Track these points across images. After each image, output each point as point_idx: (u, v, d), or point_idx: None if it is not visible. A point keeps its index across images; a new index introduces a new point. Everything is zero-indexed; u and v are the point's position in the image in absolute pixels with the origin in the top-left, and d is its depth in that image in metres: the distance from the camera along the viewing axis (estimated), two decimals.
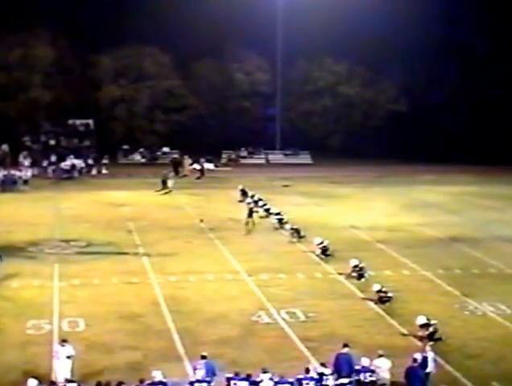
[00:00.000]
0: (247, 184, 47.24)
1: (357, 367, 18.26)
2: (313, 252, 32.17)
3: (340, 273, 29.20)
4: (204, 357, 18.39)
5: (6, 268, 28.82)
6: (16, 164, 54.90)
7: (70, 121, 62.33)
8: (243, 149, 67.20)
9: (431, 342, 21.58)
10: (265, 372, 17.68)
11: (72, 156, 57.09)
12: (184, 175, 56.24)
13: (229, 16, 61.73)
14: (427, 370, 18.71)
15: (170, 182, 49.81)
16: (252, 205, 39.57)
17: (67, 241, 34.33)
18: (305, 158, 67.28)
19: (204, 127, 68.13)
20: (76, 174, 55.55)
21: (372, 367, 18.34)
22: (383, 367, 18.54)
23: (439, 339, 21.86)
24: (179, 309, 24.95)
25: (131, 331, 22.82)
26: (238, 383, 17.54)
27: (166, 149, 65.10)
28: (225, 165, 63.61)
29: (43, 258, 31.53)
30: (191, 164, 58.06)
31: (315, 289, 27.61)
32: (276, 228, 37.36)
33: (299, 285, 28.10)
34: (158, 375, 17.37)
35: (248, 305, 25.42)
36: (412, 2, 61.69)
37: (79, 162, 56.85)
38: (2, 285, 27.19)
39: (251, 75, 69.99)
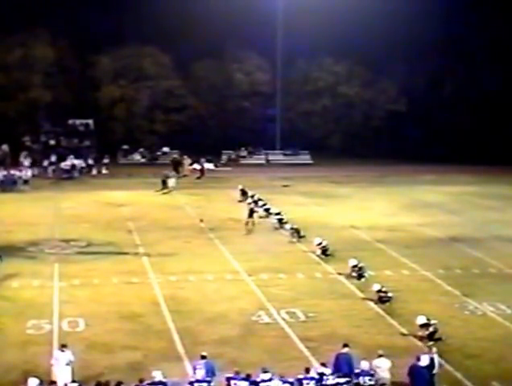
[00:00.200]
0: (247, 184, 47.26)
1: (356, 371, 18.25)
2: (313, 252, 32.18)
3: (340, 273, 29.21)
4: (203, 357, 18.40)
5: (6, 268, 28.84)
6: (16, 164, 54.88)
7: (70, 121, 62.32)
8: (243, 149, 67.16)
9: (431, 342, 21.62)
10: (265, 372, 17.69)
11: (72, 156, 57.10)
12: (184, 175, 56.22)
13: (229, 16, 61.70)
14: (434, 371, 18.71)
15: (172, 182, 49.83)
16: (252, 205, 39.58)
17: (67, 241, 34.34)
18: (305, 158, 67.23)
19: (204, 127, 68.13)
20: (76, 174, 55.53)
21: (372, 370, 18.33)
22: (383, 367, 18.55)
23: (439, 339, 21.86)
24: (179, 309, 24.95)
25: (131, 331, 22.83)
26: (238, 382, 17.54)
27: (166, 149, 65.04)
28: (224, 165, 63.60)
29: (43, 258, 31.54)
30: (191, 164, 58.06)
31: (315, 289, 27.62)
32: (276, 228, 37.36)
33: (299, 285, 28.10)
34: (158, 375, 17.38)
35: (248, 305, 25.43)
36: (412, 2, 61.70)
37: (79, 162, 56.87)
38: (2, 285, 27.21)
39: (251, 75, 69.96)
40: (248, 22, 61.54)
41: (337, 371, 18.25)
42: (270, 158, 67.45)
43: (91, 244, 34.00)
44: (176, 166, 57.12)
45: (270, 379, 17.53)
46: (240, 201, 44.23)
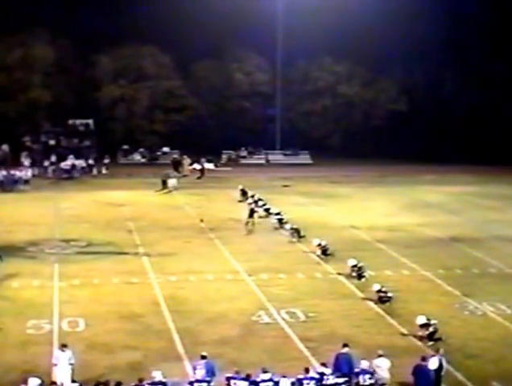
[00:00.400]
0: (247, 184, 47.27)
1: (356, 370, 18.25)
2: (313, 252, 32.17)
3: (340, 273, 29.20)
4: (204, 357, 18.40)
5: (6, 268, 28.85)
6: (16, 164, 54.88)
7: (70, 121, 62.37)
8: (243, 149, 67.21)
9: (431, 343, 21.63)
10: (265, 372, 17.69)
11: (72, 156, 57.10)
12: (184, 175, 56.23)
13: (229, 16, 61.70)
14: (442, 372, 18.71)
15: (173, 182, 49.82)
16: (253, 205, 39.58)
17: (67, 241, 34.34)
18: (305, 158, 67.26)
19: (204, 127, 68.10)
20: (76, 174, 55.56)
21: (372, 369, 18.32)
22: (383, 367, 18.55)
23: (439, 339, 21.86)
24: (179, 309, 24.95)
25: (131, 331, 22.83)
26: (238, 382, 17.53)
27: (166, 149, 65.10)
28: (225, 165, 63.62)
29: (43, 258, 31.54)
30: (190, 164, 58.07)
31: (316, 289, 27.62)
32: (276, 228, 37.36)
33: (299, 285, 28.10)
34: (158, 375, 17.38)
35: (248, 305, 25.42)
36: (412, 2, 61.70)
37: (79, 162, 56.89)
38: (2, 285, 27.21)
39: (251, 75, 69.97)
40: (248, 22, 61.52)
41: (337, 371, 18.25)
42: (270, 158, 67.47)
43: (91, 244, 34.00)
44: (176, 166, 57.15)
45: (270, 379, 17.53)
46: (240, 201, 44.25)
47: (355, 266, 28.60)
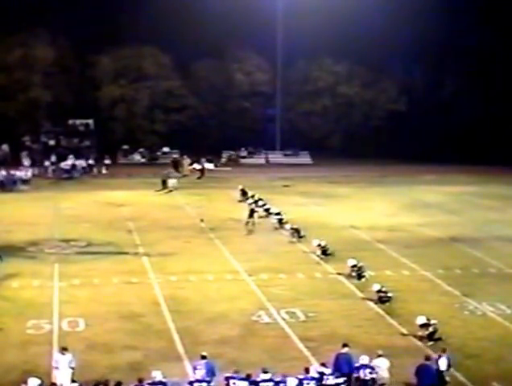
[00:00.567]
0: (247, 184, 47.28)
1: (356, 365, 18.26)
2: (313, 252, 32.18)
3: (340, 273, 29.21)
4: (204, 357, 18.39)
5: (6, 268, 28.86)
6: (17, 164, 54.88)
7: (70, 121, 62.38)
8: (243, 149, 67.23)
9: (430, 342, 21.64)
10: (265, 372, 17.69)
11: (71, 156, 57.10)
12: (184, 175, 56.25)
13: (229, 16, 61.72)
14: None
15: (173, 182, 49.83)
16: (253, 205, 39.59)
17: (67, 241, 34.35)
18: (305, 158, 67.28)
19: (204, 127, 68.13)
20: (76, 174, 55.57)
21: (372, 365, 18.36)
22: (382, 367, 18.55)
23: (439, 339, 21.87)
24: (179, 309, 24.96)
25: (131, 331, 22.84)
26: (238, 382, 17.53)
27: (166, 149, 65.14)
28: (224, 165, 63.63)
29: (43, 258, 31.55)
30: (190, 164, 58.09)
31: (315, 289, 27.62)
32: (276, 228, 37.37)
33: (299, 284, 28.11)
34: (158, 375, 17.38)
35: (248, 305, 25.43)
36: (412, 2, 61.69)
37: (80, 162, 56.91)
38: (2, 285, 27.22)
39: (251, 75, 69.97)
40: (248, 22, 61.54)
41: (337, 370, 18.26)
42: (270, 158, 67.49)
43: (91, 244, 34.01)
44: (176, 166, 57.16)
45: (270, 379, 17.54)
46: (240, 201, 44.26)
47: (355, 266, 28.61)
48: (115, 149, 63.90)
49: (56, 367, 18.62)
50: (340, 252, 31.68)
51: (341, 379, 17.79)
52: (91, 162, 57.94)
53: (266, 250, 33.23)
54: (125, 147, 65.02)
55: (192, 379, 17.78)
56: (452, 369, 18.92)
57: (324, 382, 17.71)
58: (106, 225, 38.24)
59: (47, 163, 56.79)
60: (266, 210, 40.15)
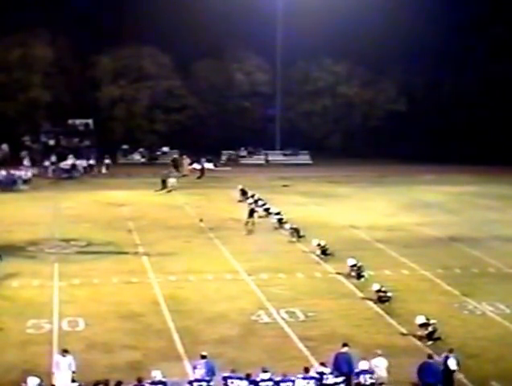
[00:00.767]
0: (247, 184, 47.30)
1: (356, 370, 18.26)
2: (313, 252, 32.20)
3: (340, 273, 29.23)
4: (203, 357, 18.41)
5: (6, 267, 28.85)
6: (17, 164, 54.89)
7: (70, 121, 62.38)
8: (243, 149, 67.25)
9: (430, 342, 21.66)
10: (265, 372, 17.71)
11: (71, 156, 57.12)
12: (184, 175, 56.27)
13: (229, 16, 61.78)
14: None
15: (172, 182, 49.82)
16: (253, 205, 39.60)
17: (67, 241, 34.37)
18: (305, 158, 67.29)
19: (203, 127, 68.17)
20: (76, 173, 55.60)
21: (370, 369, 18.35)
22: (381, 367, 18.57)
23: (439, 339, 21.89)
24: (178, 308, 24.98)
25: (131, 331, 22.85)
26: (237, 381, 17.52)
27: (166, 149, 65.16)
28: (224, 165, 63.64)
29: (43, 258, 31.56)
30: (190, 164, 58.11)
31: (315, 288, 27.64)
32: (276, 228, 37.39)
33: (298, 284, 28.13)
34: (157, 375, 17.39)
35: (248, 305, 25.45)
36: (412, 2, 61.71)
37: (80, 162, 56.93)
38: (2, 285, 27.23)
39: (251, 75, 70.02)
40: (248, 22, 61.59)
41: (337, 370, 18.27)
42: (270, 158, 67.49)
43: (91, 244, 34.03)
44: (176, 165, 57.18)
45: (269, 379, 17.55)
46: (240, 201, 44.28)
47: (354, 266, 28.63)
48: (115, 148, 63.91)
49: (56, 369, 18.57)
50: (340, 252, 31.70)
51: (340, 379, 17.81)
52: (91, 161, 57.95)
53: (266, 250, 33.23)
54: (125, 147, 65.03)
55: (192, 379, 17.80)
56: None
57: (323, 382, 17.71)
58: (106, 225, 38.25)
59: (47, 163, 56.80)
60: (266, 210, 40.18)
